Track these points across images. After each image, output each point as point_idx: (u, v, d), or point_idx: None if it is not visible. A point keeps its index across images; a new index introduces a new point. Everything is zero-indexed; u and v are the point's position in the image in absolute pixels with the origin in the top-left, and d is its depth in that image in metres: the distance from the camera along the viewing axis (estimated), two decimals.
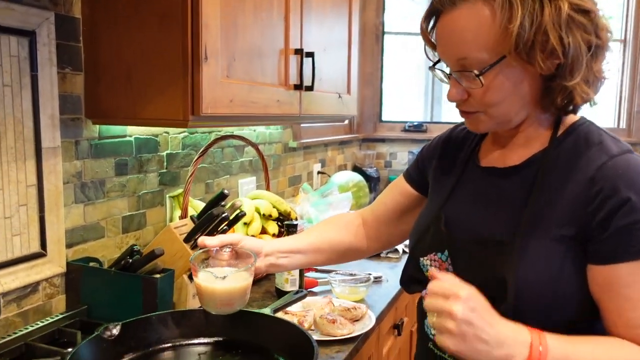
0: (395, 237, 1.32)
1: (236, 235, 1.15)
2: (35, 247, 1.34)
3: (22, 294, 1.31)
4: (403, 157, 3.73)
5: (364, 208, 1.36)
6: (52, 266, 1.38)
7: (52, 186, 1.37)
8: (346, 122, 3.50)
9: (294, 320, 1.37)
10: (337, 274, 1.72)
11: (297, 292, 1.31)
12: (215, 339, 1.15)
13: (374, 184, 3.42)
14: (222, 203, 1.48)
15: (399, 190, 1.27)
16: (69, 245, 1.44)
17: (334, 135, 3.28)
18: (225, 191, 1.48)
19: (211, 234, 1.44)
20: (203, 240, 1.08)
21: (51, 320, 1.33)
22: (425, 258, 1.06)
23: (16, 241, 1.29)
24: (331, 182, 2.75)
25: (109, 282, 1.37)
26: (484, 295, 0.94)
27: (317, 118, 2.12)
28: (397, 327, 1.82)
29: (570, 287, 0.91)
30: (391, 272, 1.89)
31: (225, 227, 1.44)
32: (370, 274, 1.76)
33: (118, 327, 1.08)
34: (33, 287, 1.33)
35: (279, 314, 1.39)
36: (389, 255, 2.10)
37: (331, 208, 2.30)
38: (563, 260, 0.91)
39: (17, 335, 1.23)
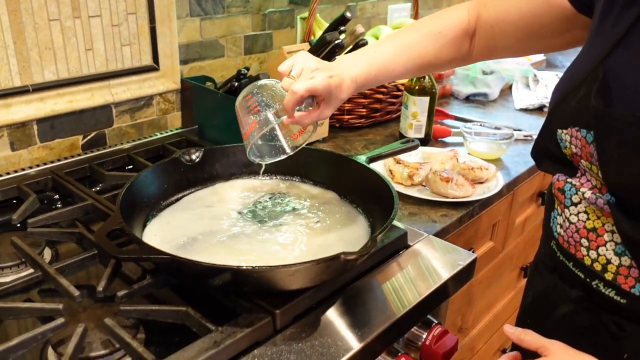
0: (514, 52, 0.97)
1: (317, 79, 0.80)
2: (147, 60, 1.30)
3: (135, 106, 1.30)
4: None
5: (482, 1, 0.94)
6: (166, 81, 1.34)
7: None
8: None
9: (405, 172, 1.20)
10: (475, 124, 1.45)
11: (407, 141, 1.12)
12: (296, 179, 1.05)
13: None
14: (342, 28, 1.27)
15: None
16: (184, 62, 1.38)
17: None
18: (347, 14, 1.27)
19: None
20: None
21: (160, 135, 1.33)
22: (565, 131, 0.74)
23: (126, 51, 1.25)
24: None
25: (217, 104, 1.30)
26: (626, 207, 0.67)
27: None
28: (542, 195, 1.55)
29: None
30: None
31: None
32: (518, 130, 1.47)
33: (198, 153, 1.02)
34: (146, 101, 1.32)
35: (390, 163, 1.23)
36: None
37: None
38: None
39: (123, 146, 1.25)
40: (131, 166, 1.21)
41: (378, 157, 1.05)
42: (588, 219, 0.76)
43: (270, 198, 1.00)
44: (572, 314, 0.81)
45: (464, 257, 0.94)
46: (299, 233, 0.88)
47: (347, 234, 0.89)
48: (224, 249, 0.83)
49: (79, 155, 1.20)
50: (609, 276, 0.74)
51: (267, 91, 0.82)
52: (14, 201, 1.05)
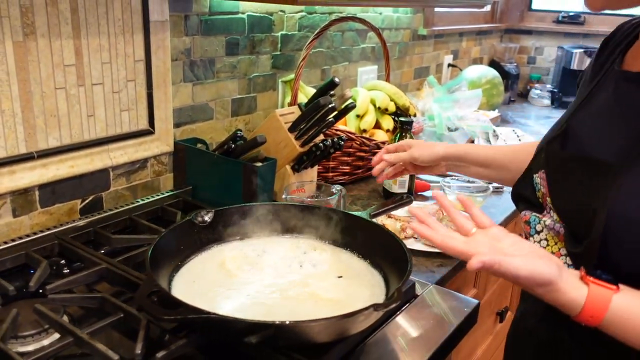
0: None
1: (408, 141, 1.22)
2: (144, 124, 1.34)
3: (131, 169, 1.33)
4: (551, 53, 3.28)
5: None
6: (160, 144, 1.38)
7: (160, 62, 1.33)
8: (488, 8, 3.12)
9: (397, 225, 1.28)
10: (452, 179, 1.56)
11: (401, 197, 1.20)
12: (305, 237, 1.09)
13: (511, 81, 3.08)
14: (332, 92, 1.36)
15: None
16: (176, 125, 1.43)
17: (472, 24, 2.94)
18: (336, 79, 1.36)
19: (317, 124, 1.34)
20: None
21: (156, 197, 1.35)
22: (537, 175, 0.90)
23: (125, 116, 1.29)
24: (461, 76, 2.50)
25: (212, 165, 1.35)
26: (570, 229, 0.82)
27: (454, 1, 1.86)
28: None
29: None
30: None
31: (332, 119, 1.33)
32: (489, 183, 1.59)
33: (210, 214, 1.05)
34: (141, 164, 1.35)
35: (381, 217, 1.30)
36: None
37: (457, 105, 2.09)
38: None
39: (123, 208, 1.27)
40: (131, 228, 1.23)
41: (378, 213, 1.12)
42: (548, 245, 0.88)
43: (283, 254, 1.04)
44: (536, 328, 0.93)
45: (467, 304, 1.01)
46: (317, 287, 0.93)
47: (364, 287, 0.94)
48: (252, 306, 0.86)
49: (80, 219, 1.20)
50: None
51: None
52: (20, 269, 1.04)
